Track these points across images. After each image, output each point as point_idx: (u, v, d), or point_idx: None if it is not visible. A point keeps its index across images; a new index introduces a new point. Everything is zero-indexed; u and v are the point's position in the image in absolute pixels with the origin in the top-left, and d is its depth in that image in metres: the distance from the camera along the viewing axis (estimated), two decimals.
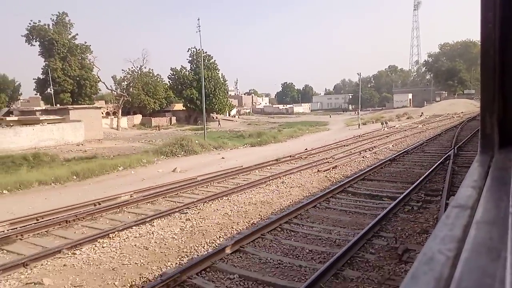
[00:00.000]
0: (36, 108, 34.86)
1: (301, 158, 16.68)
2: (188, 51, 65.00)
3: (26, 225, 8.17)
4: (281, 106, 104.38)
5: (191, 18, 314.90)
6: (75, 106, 36.95)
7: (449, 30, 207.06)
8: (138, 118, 60.56)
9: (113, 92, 52.90)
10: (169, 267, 5.59)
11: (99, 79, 53.63)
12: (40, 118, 31.66)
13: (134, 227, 7.68)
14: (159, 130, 53.02)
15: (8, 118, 32.68)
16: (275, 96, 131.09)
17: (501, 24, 1.07)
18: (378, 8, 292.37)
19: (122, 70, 57.72)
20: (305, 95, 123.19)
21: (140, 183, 13.37)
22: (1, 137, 27.21)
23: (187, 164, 17.08)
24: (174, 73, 66.78)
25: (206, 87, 62.76)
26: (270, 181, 11.72)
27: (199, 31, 28.62)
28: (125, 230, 7.47)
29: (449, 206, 0.75)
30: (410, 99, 77.21)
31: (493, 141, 1.19)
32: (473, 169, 1.08)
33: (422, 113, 49.79)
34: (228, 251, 5.73)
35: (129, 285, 5.12)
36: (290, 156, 16.87)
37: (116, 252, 6.24)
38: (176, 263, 5.73)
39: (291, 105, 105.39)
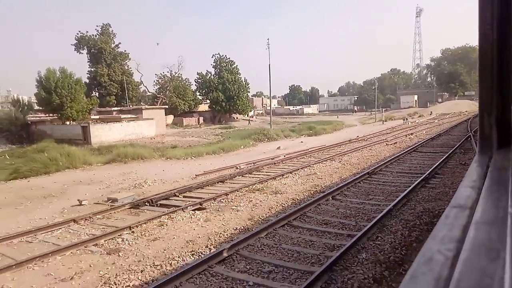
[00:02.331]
0: (113, 108, 42.05)
1: (364, 140, 24.17)
2: (212, 57, 72.33)
3: (248, 166, 15.44)
4: (291, 108, 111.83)
5: (200, 20, 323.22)
6: (147, 106, 44.21)
7: (450, 35, 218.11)
8: (170, 119, 67.81)
9: (158, 95, 60.08)
10: (348, 176, 12.99)
11: (142, 83, 60.88)
12: (122, 117, 38.87)
13: (304, 168, 14.82)
14: (190, 129, 60.27)
15: (92, 117, 39.81)
16: (282, 98, 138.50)
17: (499, 25, 1.09)
18: (380, 13, 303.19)
19: (156, 74, 64.88)
20: (312, 97, 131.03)
21: (266, 154, 20.57)
22: (100, 132, 34.31)
23: (279, 145, 24.41)
24: (201, 77, 74.06)
25: (231, 90, 70.61)
26: (359, 150, 19.11)
27: (268, 48, 36.05)
28: (299, 170, 14.55)
29: (448, 207, 0.77)
30: (416, 100, 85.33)
31: (492, 141, 1.21)
32: (472, 170, 1.09)
33: (431, 112, 57.75)
34: (363, 175, 13.23)
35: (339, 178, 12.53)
36: (350, 140, 24.29)
37: (302, 178, 13.65)
38: (351, 174, 13.10)
39: (301, 106, 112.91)
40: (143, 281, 5.58)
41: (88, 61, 60.76)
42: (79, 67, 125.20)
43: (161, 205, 10.10)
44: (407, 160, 15.20)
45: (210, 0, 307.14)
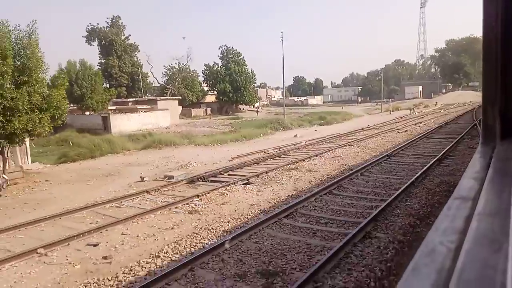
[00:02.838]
0: (129, 99, 43.63)
1: (375, 128, 25.83)
2: (219, 48, 73.56)
3: (276, 151, 17.13)
4: (296, 98, 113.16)
5: (203, 15, 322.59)
6: (161, 97, 45.81)
7: (454, 25, 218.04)
8: (179, 109, 69.36)
9: (167, 86, 61.54)
10: (369, 158, 14.68)
11: (152, 74, 62.30)
12: (138, 107, 40.50)
13: (327, 152, 16.47)
14: (198, 119, 61.81)
15: (109, 107, 41.39)
16: (286, 89, 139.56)
17: (503, 17, 1.09)
18: (385, 4, 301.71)
19: (164, 66, 66.21)
20: (316, 88, 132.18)
21: (285, 141, 22.23)
22: (119, 122, 35.98)
23: (296, 133, 26.05)
24: (208, 68, 75.32)
25: (238, 81, 72.01)
26: (373, 137, 20.76)
27: (282, 40, 37.49)
28: (323, 154, 16.21)
29: (450, 198, 0.77)
30: (420, 91, 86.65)
31: (495, 132, 1.21)
32: (474, 160, 1.09)
33: (436, 102, 59.24)
34: (384, 156, 14.92)
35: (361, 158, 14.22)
36: (363, 128, 25.92)
37: (328, 160, 15.35)
38: (371, 157, 14.78)
39: (305, 97, 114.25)
40: (232, 227, 7.34)
41: (99, 53, 62.22)
42: (90, 58, 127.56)
43: (212, 181, 11.83)
44: (420, 145, 16.90)
45: None
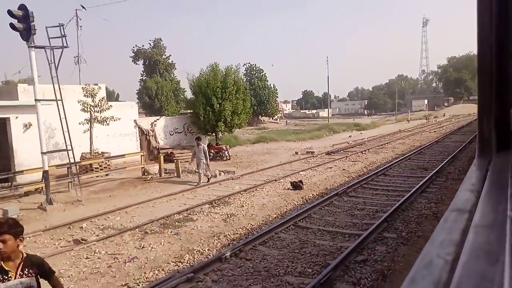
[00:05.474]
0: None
1: (408, 131, 35.12)
2: (243, 65, 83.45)
3: (352, 143, 26.16)
4: (307, 111, 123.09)
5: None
6: None
7: (455, 42, 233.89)
8: None
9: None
10: (422, 144, 23.82)
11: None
12: None
13: (390, 143, 25.48)
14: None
15: None
16: (295, 103, 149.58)
17: (498, 28, 1.12)
18: (387, 22, 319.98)
19: (189, 80, 75.94)
20: (324, 101, 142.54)
21: (346, 139, 31.21)
22: None
23: (349, 135, 35.14)
24: None
25: (261, 95, 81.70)
26: (414, 135, 29.88)
27: (327, 63, 46.99)
28: (386, 144, 25.15)
29: (447, 210, 0.79)
30: (426, 104, 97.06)
31: (491, 144, 1.24)
32: (471, 173, 1.12)
33: (444, 113, 69.12)
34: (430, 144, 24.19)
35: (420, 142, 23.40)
36: (400, 130, 35.04)
37: (394, 148, 24.54)
38: (420, 145, 23.89)
39: (316, 110, 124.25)
40: (367, 170, 16.35)
41: (142, 71, 71.64)
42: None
43: (339, 153, 20.82)
44: (452, 137, 26.26)
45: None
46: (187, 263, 6.64)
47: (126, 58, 67.60)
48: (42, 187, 11.50)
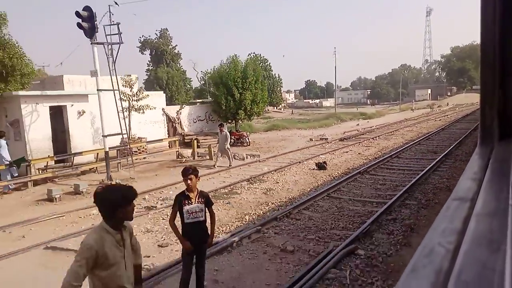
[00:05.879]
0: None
1: (414, 120, 36.47)
2: (248, 55, 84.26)
3: (361, 131, 27.58)
4: (310, 101, 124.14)
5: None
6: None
7: (458, 32, 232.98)
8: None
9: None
10: (429, 131, 25.26)
11: (198, 79, 72.81)
12: None
13: (398, 130, 26.87)
14: None
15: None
16: (298, 92, 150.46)
17: (501, 16, 1.12)
18: (391, 13, 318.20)
19: (201, 71, 76.75)
20: (327, 91, 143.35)
21: (354, 127, 32.58)
22: None
23: (356, 123, 36.51)
24: None
25: (266, 85, 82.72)
26: (419, 124, 31.25)
27: (334, 54, 48.10)
28: (395, 131, 26.65)
29: (448, 199, 0.79)
30: (429, 94, 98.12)
31: (493, 133, 1.25)
32: (473, 161, 1.13)
33: (447, 103, 70.34)
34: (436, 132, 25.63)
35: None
36: (406, 119, 36.39)
37: (403, 134, 25.99)
38: (426, 132, 25.32)
39: (319, 100, 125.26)
40: (382, 154, 17.82)
41: (149, 61, 72.73)
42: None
43: (351, 140, 22.26)
44: (457, 125, 27.65)
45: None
46: (248, 222, 8.17)
47: (132, 48, 68.54)
48: (96, 167, 13.03)
